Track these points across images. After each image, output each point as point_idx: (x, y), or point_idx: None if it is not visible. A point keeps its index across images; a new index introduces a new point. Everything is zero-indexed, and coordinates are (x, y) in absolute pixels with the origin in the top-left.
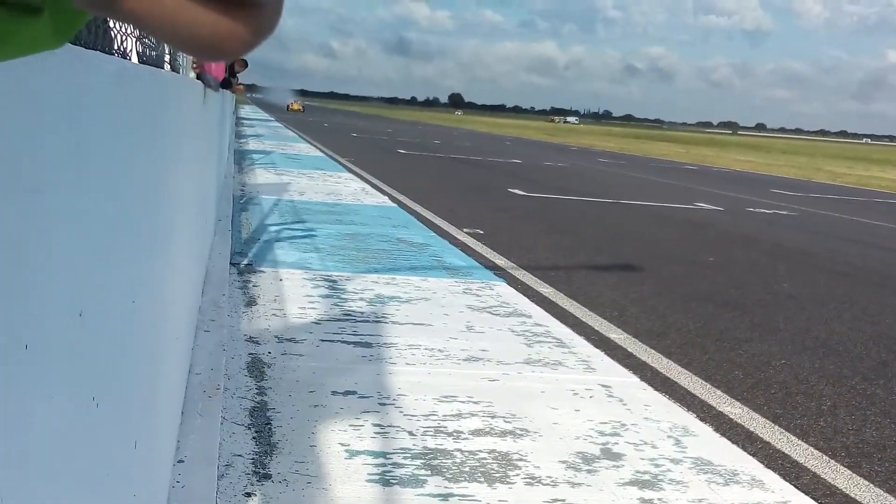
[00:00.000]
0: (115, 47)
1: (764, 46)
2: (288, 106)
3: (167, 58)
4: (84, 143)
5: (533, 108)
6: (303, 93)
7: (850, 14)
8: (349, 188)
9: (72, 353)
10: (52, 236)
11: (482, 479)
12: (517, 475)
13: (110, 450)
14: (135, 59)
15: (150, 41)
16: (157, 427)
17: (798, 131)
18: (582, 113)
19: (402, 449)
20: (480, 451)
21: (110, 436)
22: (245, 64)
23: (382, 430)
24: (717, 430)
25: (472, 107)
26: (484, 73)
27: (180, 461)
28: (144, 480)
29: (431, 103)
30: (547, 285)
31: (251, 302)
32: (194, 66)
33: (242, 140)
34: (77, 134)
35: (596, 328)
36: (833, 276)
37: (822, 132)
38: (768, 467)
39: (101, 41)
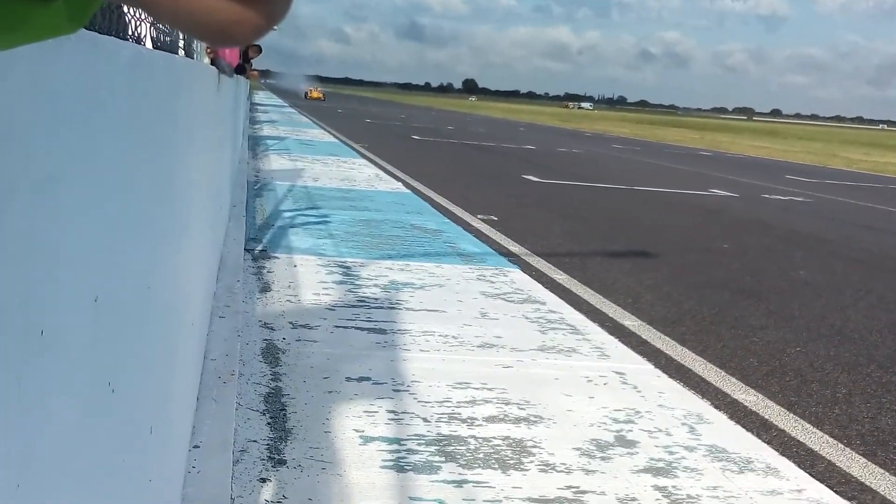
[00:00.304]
0: (130, 32)
1: (780, 31)
2: (306, 93)
3: (181, 43)
4: (99, 130)
5: (547, 93)
6: (317, 79)
7: None
8: (363, 174)
9: (87, 339)
10: (68, 223)
11: (496, 466)
12: (531, 462)
13: (126, 435)
14: (149, 44)
15: (164, 27)
16: (173, 413)
17: (814, 117)
18: (596, 99)
19: (416, 435)
20: (494, 437)
21: (126, 421)
22: (259, 50)
23: (397, 417)
24: (731, 417)
25: (485, 92)
26: (498, 59)
27: (196, 447)
28: (160, 466)
29: (445, 89)
30: (561, 272)
31: (266, 288)
32: (208, 51)
33: (256, 126)
34: (92, 121)
35: (610, 315)
36: (849, 263)
37: (838, 118)
38: (783, 455)
39: (115, 26)
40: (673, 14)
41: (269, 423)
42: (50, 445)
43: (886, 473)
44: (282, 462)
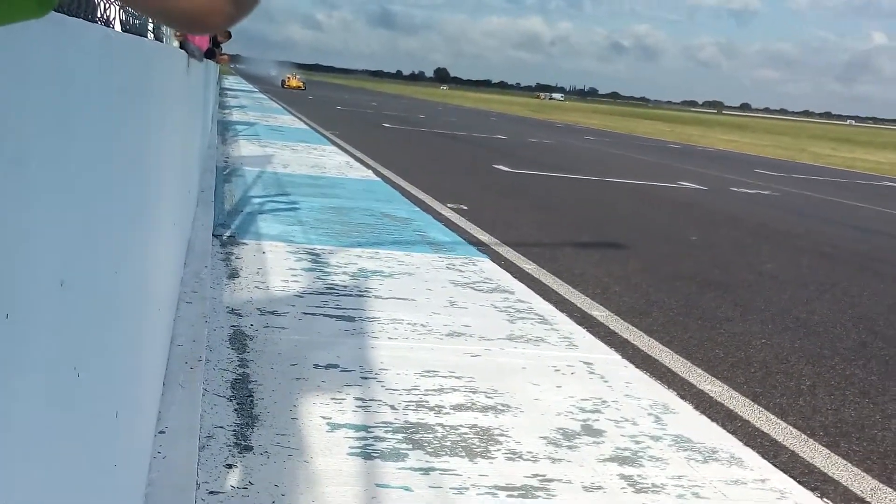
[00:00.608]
0: (99, 15)
1: (751, 26)
2: (283, 81)
3: (150, 27)
4: (68, 113)
5: (519, 84)
6: (291, 65)
7: None
8: (333, 161)
9: (53, 323)
10: (35, 205)
11: (463, 454)
12: (498, 450)
13: (91, 420)
14: (118, 27)
15: (135, 12)
16: (139, 398)
17: (783, 112)
18: (568, 90)
19: (383, 423)
20: (462, 425)
21: (92, 406)
22: (229, 35)
23: (364, 404)
24: (697, 407)
25: (457, 81)
26: (470, 48)
27: (161, 432)
28: (126, 451)
29: (417, 77)
30: (530, 262)
31: (234, 274)
32: (177, 35)
33: (226, 111)
34: (61, 103)
35: (578, 305)
36: (815, 256)
37: (807, 113)
38: (747, 445)
39: (84, 8)
40: (645, 7)
41: (235, 410)
42: (14, 429)
43: (849, 464)
44: (248, 448)
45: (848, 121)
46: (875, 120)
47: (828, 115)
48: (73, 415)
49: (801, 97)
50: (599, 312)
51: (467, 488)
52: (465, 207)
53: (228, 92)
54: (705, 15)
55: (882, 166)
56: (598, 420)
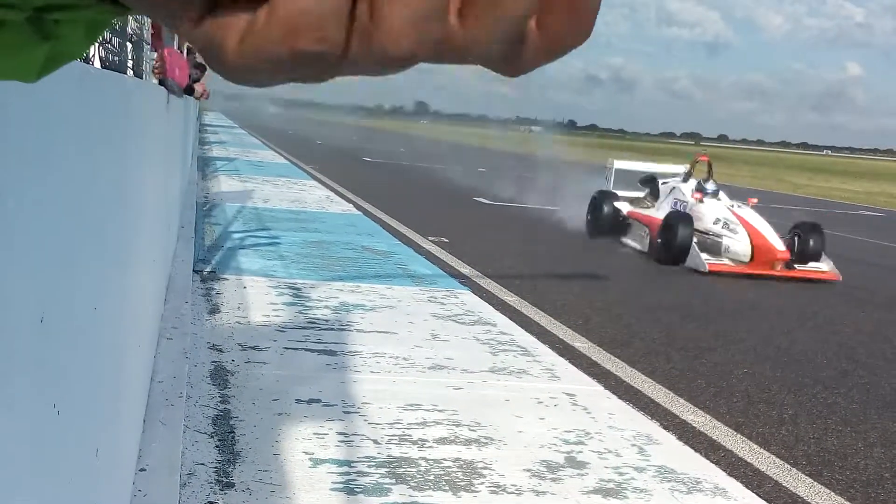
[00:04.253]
0: None
1: (725, 58)
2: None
3: (130, 63)
4: (47, 148)
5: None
6: (269, 100)
7: (809, 27)
8: (314, 195)
9: (32, 360)
10: (14, 242)
11: (447, 488)
12: (482, 483)
13: (71, 457)
14: (97, 64)
15: (113, 46)
16: (119, 435)
17: (760, 142)
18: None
19: (366, 457)
20: (445, 459)
21: (71, 443)
22: (204, 69)
23: (347, 439)
24: (680, 438)
25: (437, 115)
26: (449, 82)
27: (142, 469)
28: (106, 489)
29: (397, 111)
30: (512, 294)
31: (214, 309)
32: (156, 72)
33: (206, 147)
34: (40, 138)
35: (560, 337)
36: (794, 286)
37: (784, 143)
38: (731, 475)
39: None
40: (621, 40)
41: (217, 446)
42: None
43: (832, 493)
44: (230, 485)
45: (824, 151)
46: (851, 150)
47: (804, 145)
48: (52, 453)
49: (777, 128)
50: (581, 343)
51: None
52: (447, 240)
53: (208, 128)
54: (680, 47)
55: (858, 195)
56: (581, 452)
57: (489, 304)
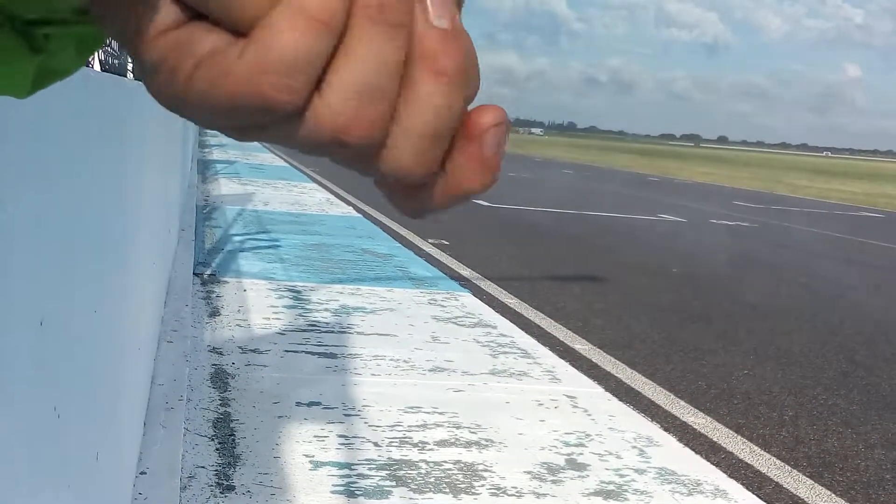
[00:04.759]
0: None
1: (725, 60)
2: None
3: (130, 66)
4: (45, 152)
5: None
6: None
7: (808, 28)
8: (314, 198)
9: (32, 363)
10: (13, 245)
11: (447, 490)
12: (482, 486)
13: (72, 461)
14: (97, 67)
15: (113, 49)
16: (120, 438)
17: (760, 144)
18: (546, 124)
19: (366, 460)
20: (446, 461)
21: (72, 447)
22: None
23: (347, 441)
24: (680, 440)
25: None
26: None
27: (142, 473)
28: (106, 492)
29: None
30: (512, 296)
31: (215, 312)
32: None
33: (206, 150)
34: (40, 141)
35: (561, 339)
36: (795, 287)
37: (784, 145)
38: (731, 477)
39: None
40: (621, 42)
41: (217, 449)
42: None
43: (833, 495)
44: (230, 488)
45: (824, 152)
46: (851, 151)
47: (804, 146)
48: (52, 456)
49: (777, 129)
50: (582, 346)
51: None
52: (447, 242)
53: (208, 131)
54: (679, 49)
55: (857, 196)
56: (582, 454)
57: (489, 306)
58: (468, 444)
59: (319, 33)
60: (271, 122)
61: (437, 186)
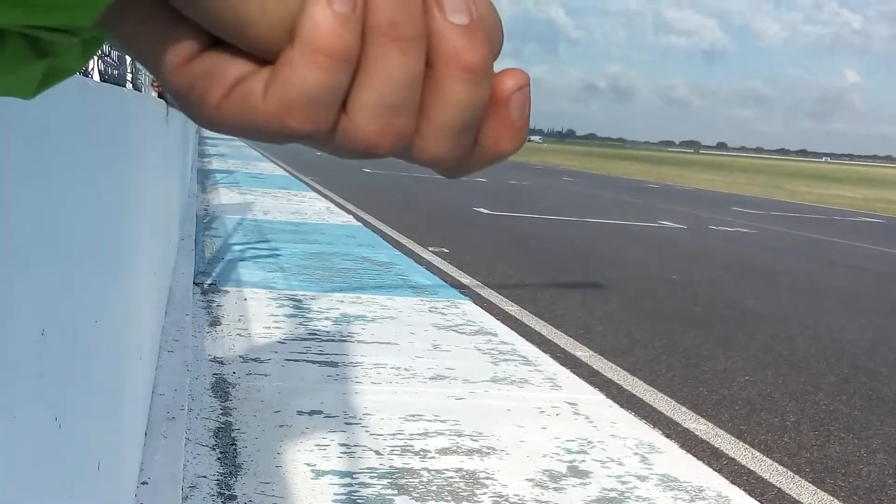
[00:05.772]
0: None
1: (723, 66)
2: None
3: (129, 76)
4: (45, 162)
5: None
6: None
7: (806, 34)
8: (314, 207)
9: (33, 373)
10: (14, 255)
11: (449, 498)
12: (484, 494)
13: (73, 471)
14: (96, 77)
15: (112, 59)
16: (121, 448)
17: (759, 150)
18: (546, 132)
19: (368, 468)
20: (447, 469)
21: (73, 457)
22: None
23: (349, 450)
24: (682, 446)
25: None
26: None
27: (144, 483)
28: (108, 502)
29: None
30: (512, 303)
31: (215, 322)
32: (155, 85)
33: (206, 159)
34: (40, 151)
35: (562, 346)
36: (795, 292)
37: (783, 151)
38: (734, 483)
39: None
40: (619, 49)
41: (219, 459)
42: None
43: (835, 500)
44: (232, 498)
45: (823, 158)
46: (850, 157)
47: (803, 152)
48: (54, 466)
49: (776, 135)
50: (582, 352)
51: None
52: (447, 250)
53: (208, 140)
54: (678, 55)
55: (856, 202)
56: (584, 461)
57: (490, 313)
58: (470, 452)
59: (337, 67)
60: (306, 141)
61: (472, 153)
